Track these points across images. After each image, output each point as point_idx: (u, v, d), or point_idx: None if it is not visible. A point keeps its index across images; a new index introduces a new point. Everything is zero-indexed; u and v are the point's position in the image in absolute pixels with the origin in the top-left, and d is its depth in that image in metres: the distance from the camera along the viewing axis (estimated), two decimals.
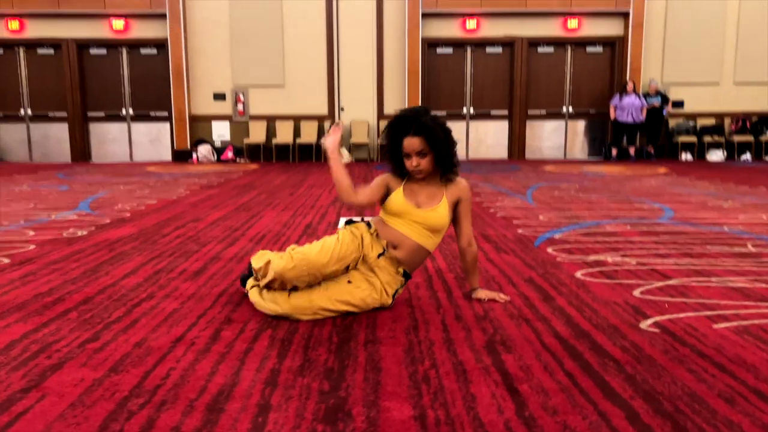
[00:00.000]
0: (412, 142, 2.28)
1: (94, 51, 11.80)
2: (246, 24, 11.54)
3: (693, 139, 11.66)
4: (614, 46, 11.85)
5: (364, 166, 10.39)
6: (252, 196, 6.10)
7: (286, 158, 11.79)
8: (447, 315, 2.30)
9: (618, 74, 11.82)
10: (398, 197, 2.36)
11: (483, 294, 2.50)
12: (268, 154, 11.84)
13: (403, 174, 2.38)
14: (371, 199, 2.39)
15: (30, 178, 8.10)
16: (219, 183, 7.46)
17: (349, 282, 2.30)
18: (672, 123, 11.88)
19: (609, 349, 1.94)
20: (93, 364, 1.82)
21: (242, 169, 9.83)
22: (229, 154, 11.56)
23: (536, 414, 1.50)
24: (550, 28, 11.79)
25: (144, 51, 11.83)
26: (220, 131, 11.92)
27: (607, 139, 11.96)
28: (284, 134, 11.70)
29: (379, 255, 2.34)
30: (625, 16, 11.61)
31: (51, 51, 11.76)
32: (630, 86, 11.14)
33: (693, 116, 11.91)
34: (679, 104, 11.91)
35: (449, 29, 11.80)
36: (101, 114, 12.00)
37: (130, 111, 12.01)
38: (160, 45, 11.69)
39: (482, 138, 12.21)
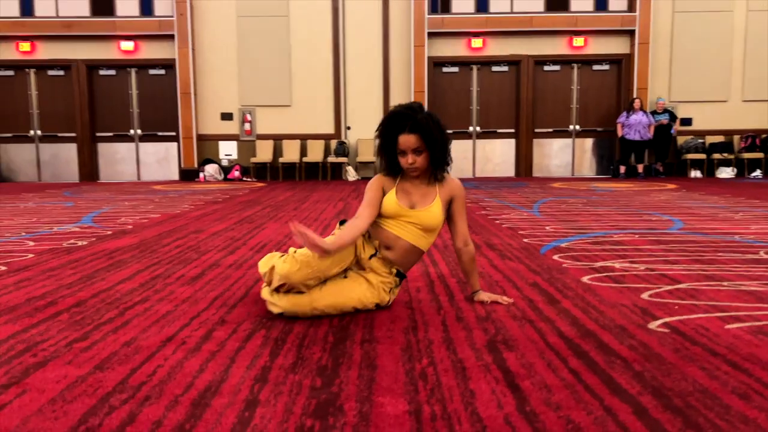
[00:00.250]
0: (407, 140, 2.23)
1: (103, 72, 11.93)
2: (253, 44, 11.65)
3: (702, 156, 11.57)
4: (620, 64, 11.85)
5: None
6: (256, 210, 6.06)
7: (292, 177, 11.79)
8: (448, 316, 2.22)
9: (625, 92, 11.79)
10: (391, 199, 2.30)
11: (485, 296, 2.42)
12: (274, 173, 11.85)
13: (396, 171, 2.33)
14: (373, 215, 2.30)
15: (36, 196, 8.12)
16: (224, 199, 7.44)
17: (345, 277, 2.24)
18: (680, 140, 11.81)
19: (616, 347, 1.86)
20: (78, 362, 1.76)
21: (248, 187, 9.83)
22: (236, 173, 11.58)
23: (538, 409, 1.42)
24: (556, 47, 11.82)
25: (152, 72, 11.96)
26: (227, 150, 11.96)
27: (615, 157, 11.88)
28: (291, 153, 11.72)
29: (371, 256, 2.29)
30: (631, 34, 11.63)
31: (61, 72, 11.90)
32: (637, 104, 11.10)
33: (702, 134, 11.83)
34: (687, 122, 11.85)
35: (455, 48, 11.85)
36: (109, 134, 12.09)
37: (138, 131, 12.10)
38: (169, 66, 11.81)
39: (489, 156, 12.17)
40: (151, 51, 11.82)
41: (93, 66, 11.85)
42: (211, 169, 11.49)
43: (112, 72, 11.94)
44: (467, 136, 12.07)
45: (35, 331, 2.07)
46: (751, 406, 1.43)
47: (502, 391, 1.53)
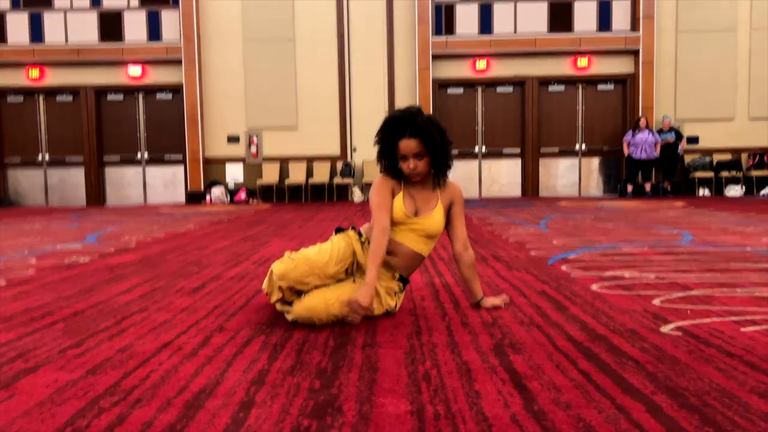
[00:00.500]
0: (408, 144, 2.18)
1: (111, 97, 12.05)
2: (260, 68, 11.75)
3: (710, 174, 11.49)
4: (625, 83, 11.86)
5: None
6: (261, 229, 6.03)
7: (298, 198, 11.79)
8: (452, 322, 2.16)
9: (630, 111, 11.78)
10: (398, 206, 2.25)
11: (489, 303, 2.36)
12: (280, 194, 11.86)
13: (397, 175, 2.28)
14: (389, 216, 2.22)
15: (43, 219, 8.13)
16: (229, 219, 7.42)
17: (354, 281, 2.19)
18: (687, 159, 11.74)
19: (627, 350, 1.79)
20: (70, 368, 1.70)
21: (254, 208, 9.81)
22: (242, 195, 11.59)
23: (546, 408, 1.35)
24: (561, 67, 11.85)
25: (159, 96, 12.06)
26: (234, 173, 11.98)
27: (622, 176, 11.82)
28: (297, 175, 11.73)
29: None
30: (635, 53, 11.65)
31: (70, 98, 12.03)
32: (643, 122, 11.07)
33: (709, 152, 11.77)
34: (693, 140, 11.80)
35: (459, 70, 11.90)
36: (117, 158, 12.15)
37: (145, 155, 12.16)
38: (176, 90, 11.92)
39: (495, 177, 12.14)
40: (158, 75, 11.94)
41: (101, 91, 11.97)
42: (217, 192, 11.51)
43: (120, 97, 12.05)
44: (473, 156, 12.05)
45: (29, 339, 2.02)
46: None
47: (508, 391, 1.46)
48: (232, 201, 11.63)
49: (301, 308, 2.09)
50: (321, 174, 11.72)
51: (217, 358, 1.76)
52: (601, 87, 11.99)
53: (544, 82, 11.91)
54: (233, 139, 11.93)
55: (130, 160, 12.18)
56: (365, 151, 11.82)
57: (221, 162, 11.98)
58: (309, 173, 11.84)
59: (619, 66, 11.83)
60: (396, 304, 2.26)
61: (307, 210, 9.15)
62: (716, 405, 1.35)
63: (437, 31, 11.78)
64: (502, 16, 11.81)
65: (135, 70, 11.83)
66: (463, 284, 2.57)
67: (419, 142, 2.18)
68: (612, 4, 11.73)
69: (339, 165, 11.76)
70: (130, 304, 2.54)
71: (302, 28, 11.75)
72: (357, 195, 11.52)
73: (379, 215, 2.20)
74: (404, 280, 2.29)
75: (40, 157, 12.13)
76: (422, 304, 2.47)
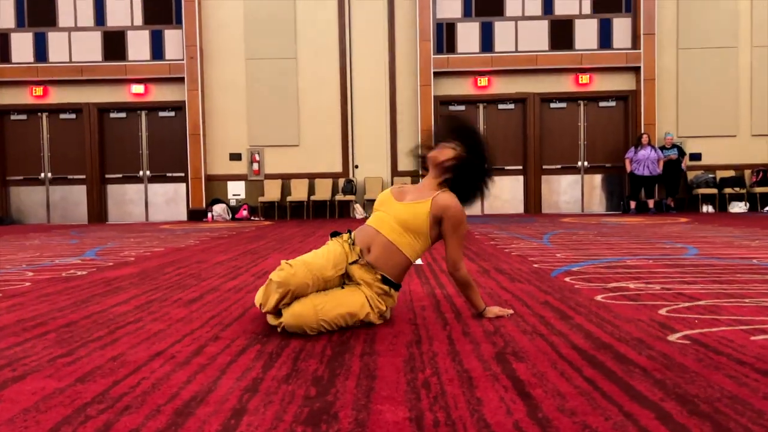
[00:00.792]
0: (447, 145, 2.29)
1: (114, 115, 12.10)
2: (262, 86, 11.80)
3: (713, 191, 11.44)
4: (627, 100, 11.88)
5: None
6: (261, 244, 5.98)
7: (300, 216, 11.76)
8: (454, 331, 2.10)
9: (632, 128, 11.77)
10: (386, 191, 2.33)
11: (492, 312, 2.30)
12: (282, 212, 11.83)
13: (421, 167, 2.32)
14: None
15: (43, 235, 8.10)
16: (230, 235, 7.38)
17: (342, 287, 2.14)
18: (690, 175, 11.70)
19: (634, 358, 1.73)
20: (59, 376, 1.65)
21: (255, 225, 9.78)
22: (244, 212, 11.57)
23: (551, 415, 1.29)
24: (562, 84, 11.88)
25: (162, 114, 12.11)
26: (236, 190, 11.98)
27: (625, 193, 11.78)
28: (299, 192, 11.72)
29: (352, 263, 2.17)
30: (636, 70, 11.68)
31: (73, 116, 12.08)
32: (645, 139, 11.05)
33: (711, 168, 11.73)
34: (696, 157, 11.77)
35: (461, 87, 11.94)
36: (119, 176, 12.16)
37: (147, 172, 12.17)
38: (178, 107, 11.96)
39: (497, 193, 12.10)
40: (161, 93, 11.99)
41: (104, 109, 12.02)
42: (219, 209, 11.49)
43: (123, 114, 12.10)
44: None
45: (19, 348, 1.97)
46: None
47: (511, 398, 1.41)
48: (233, 218, 11.60)
49: (289, 316, 2.02)
50: (323, 191, 11.71)
51: (211, 367, 1.71)
52: (602, 104, 12.00)
53: (546, 98, 11.93)
54: (235, 157, 11.94)
55: (132, 178, 12.19)
56: (367, 169, 11.83)
57: (223, 179, 11.99)
58: (311, 190, 11.82)
59: (621, 83, 11.86)
60: (386, 309, 2.19)
61: (309, 226, 9.11)
62: (728, 412, 1.30)
63: (439, 49, 11.84)
64: (503, 34, 11.87)
65: (138, 88, 11.89)
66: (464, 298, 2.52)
67: (456, 150, 2.26)
68: (613, 22, 11.79)
69: (341, 182, 11.76)
70: (125, 315, 2.49)
71: (304, 46, 11.82)
72: (359, 212, 11.49)
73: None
74: (391, 284, 2.19)
75: (42, 175, 12.14)
76: (423, 313, 2.41)
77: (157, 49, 11.94)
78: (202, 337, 2.08)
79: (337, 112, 11.89)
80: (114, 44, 11.92)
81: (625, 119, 11.96)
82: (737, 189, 11.44)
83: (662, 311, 2.36)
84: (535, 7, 11.85)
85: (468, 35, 11.89)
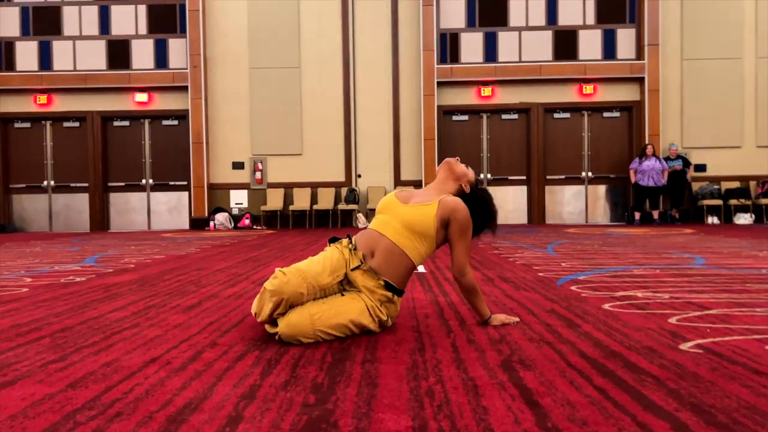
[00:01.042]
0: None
1: (117, 123, 12.10)
2: (265, 95, 11.80)
3: (718, 202, 11.36)
4: (631, 111, 11.84)
5: None
6: (262, 252, 5.93)
7: (302, 225, 11.71)
8: (458, 338, 2.04)
9: (636, 139, 11.72)
10: (390, 194, 2.27)
11: (498, 320, 2.25)
12: (284, 220, 11.79)
13: None
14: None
15: (44, 243, 8.06)
16: (232, 243, 7.33)
17: (342, 294, 2.07)
18: (695, 186, 11.63)
19: (645, 366, 1.67)
20: (50, 381, 1.60)
21: (257, 233, 9.73)
22: (246, 221, 11.53)
23: (561, 425, 1.23)
24: (566, 95, 11.85)
25: (165, 122, 12.11)
26: (238, 199, 11.94)
27: (630, 204, 11.71)
28: (301, 201, 11.68)
29: (354, 268, 2.10)
30: (641, 81, 11.65)
31: (76, 124, 12.09)
32: (650, 150, 10.99)
33: (716, 179, 11.66)
34: (701, 168, 11.71)
35: (464, 97, 11.92)
36: (121, 184, 12.14)
37: (150, 181, 12.15)
38: (182, 116, 11.96)
39: (501, 204, 12.00)
40: (164, 102, 12.00)
41: (107, 117, 12.03)
42: (221, 218, 11.45)
43: (126, 123, 12.10)
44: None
45: (11, 353, 1.92)
46: None
47: (519, 407, 1.35)
48: (235, 227, 11.56)
49: (284, 325, 1.96)
50: (325, 200, 11.67)
51: (207, 373, 1.66)
52: (606, 114, 11.96)
53: (550, 109, 11.90)
54: (238, 166, 11.92)
55: (134, 186, 12.17)
56: (370, 178, 11.79)
57: (226, 188, 11.96)
58: (313, 199, 11.78)
59: (625, 93, 11.82)
60: (387, 317, 2.13)
61: (311, 235, 9.06)
62: (747, 423, 1.24)
63: (442, 59, 11.84)
64: (507, 45, 11.86)
65: (141, 97, 11.90)
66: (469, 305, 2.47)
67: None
68: (617, 32, 11.78)
69: (344, 191, 11.72)
70: (122, 321, 2.44)
71: (308, 55, 11.83)
72: (361, 221, 11.43)
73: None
74: (395, 290, 2.14)
75: (45, 183, 12.13)
76: (426, 321, 2.35)
77: (161, 58, 11.96)
78: (200, 343, 2.03)
79: (340, 121, 11.88)
80: (118, 53, 11.95)
81: (629, 130, 11.91)
82: (742, 200, 11.37)
83: (672, 320, 2.29)
84: (538, 17, 11.85)
85: (472, 45, 11.89)
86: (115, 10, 11.96)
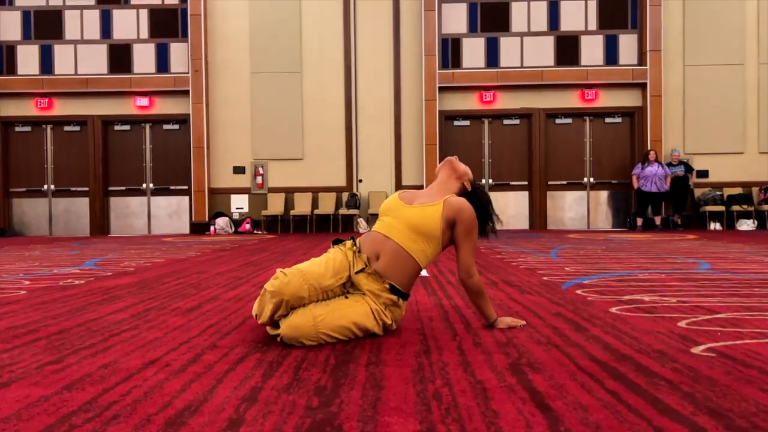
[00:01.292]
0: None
1: (118, 127, 12.08)
2: (266, 100, 11.78)
3: (721, 208, 11.31)
4: (633, 116, 11.81)
5: None
6: (263, 256, 5.89)
7: (303, 230, 11.67)
8: (464, 341, 2.00)
9: (638, 144, 11.69)
10: (392, 196, 2.22)
11: (504, 323, 2.20)
12: (285, 225, 11.75)
13: None
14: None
15: (44, 246, 8.02)
16: (232, 247, 7.29)
17: (346, 297, 2.03)
18: (698, 192, 11.59)
19: (657, 370, 1.62)
20: (45, 383, 1.55)
21: (258, 238, 9.69)
22: (247, 226, 11.49)
23: (575, 429, 1.19)
24: (568, 100, 11.83)
25: (166, 126, 12.09)
26: (239, 204, 11.91)
27: (632, 210, 11.66)
28: (302, 206, 11.64)
29: (358, 271, 2.06)
30: (642, 87, 11.63)
31: (77, 128, 12.06)
32: (652, 155, 10.95)
33: (719, 185, 11.62)
34: (703, 174, 11.67)
35: (466, 102, 11.90)
36: (122, 188, 12.11)
37: (151, 185, 12.12)
38: (183, 120, 11.94)
39: (502, 209, 11.99)
40: (165, 106, 11.98)
41: (108, 121, 12.01)
42: (221, 222, 11.41)
43: (127, 127, 12.08)
44: None
45: (6, 355, 1.87)
46: None
47: (530, 411, 1.30)
48: (236, 232, 11.52)
49: (286, 327, 1.91)
50: (326, 205, 11.63)
51: (207, 375, 1.61)
52: (608, 120, 11.94)
53: (551, 114, 11.87)
54: (239, 170, 11.89)
55: (135, 191, 12.14)
56: (371, 183, 11.76)
57: (226, 193, 11.93)
58: (314, 204, 11.75)
59: (627, 99, 11.80)
60: (391, 321, 2.08)
61: (312, 239, 9.01)
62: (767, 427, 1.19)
63: (444, 64, 11.82)
64: (508, 50, 11.85)
65: (142, 101, 11.88)
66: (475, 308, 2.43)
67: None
68: (619, 38, 11.77)
69: (345, 196, 11.68)
70: (121, 323, 2.39)
71: (309, 60, 11.82)
72: (362, 226, 11.39)
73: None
74: (400, 293, 2.09)
75: (45, 187, 12.10)
76: (430, 324, 2.31)
77: (163, 63, 11.95)
78: (200, 345, 1.98)
79: (341, 126, 11.86)
80: (120, 57, 11.94)
81: (631, 136, 11.88)
82: (745, 206, 11.31)
83: (681, 323, 2.25)
84: (540, 22, 11.84)
85: (473, 50, 11.88)
86: (117, 15, 11.97)
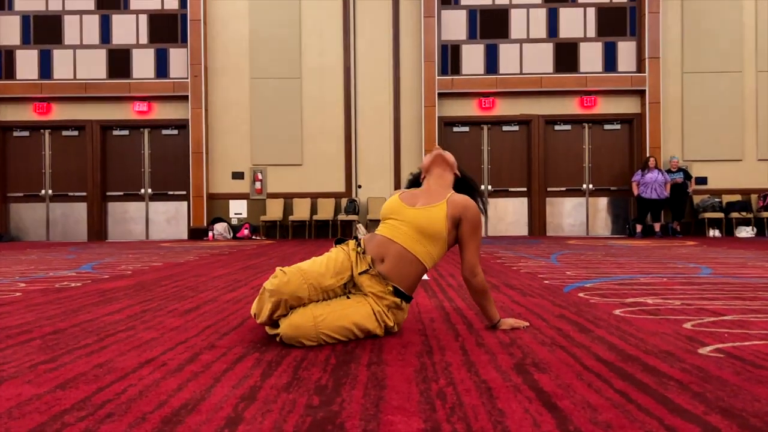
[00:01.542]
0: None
1: (116, 132, 12.05)
2: (266, 105, 11.77)
3: (720, 215, 11.29)
4: (632, 123, 11.81)
5: None
6: (262, 260, 5.85)
7: (302, 235, 11.63)
8: (467, 342, 1.96)
9: (637, 151, 11.68)
10: (392, 198, 2.17)
11: (508, 324, 2.17)
12: (284, 231, 11.71)
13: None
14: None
15: (41, 251, 7.97)
16: (231, 252, 7.24)
17: (348, 297, 1.99)
18: (697, 199, 11.57)
19: (666, 370, 1.59)
20: (38, 382, 1.51)
21: (257, 243, 9.64)
22: (245, 231, 11.44)
23: (584, 428, 1.15)
24: (567, 107, 11.83)
25: (165, 132, 12.05)
26: (237, 209, 11.87)
27: (631, 216, 11.64)
28: (301, 211, 11.60)
29: (362, 272, 2.02)
30: (641, 94, 11.63)
31: (75, 133, 12.03)
32: (652, 162, 10.93)
33: (718, 192, 11.61)
34: (702, 181, 11.66)
35: (465, 108, 11.89)
36: (120, 193, 12.06)
37: (149, 190, 12.07)
38: (182, 126, 11.91)
39: (501, 215, 11.97)
40: (164, 111, 11.96)
41: (107, 126, 11.98)
42: (220, 228, 11.36)
43: (126, 132, 12.05)
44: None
45: None
46: None
47: (537, 410, 1.26)
48: (234, 237, 11.47)
49: (286, 326, 1.88)
50: (325, 211, 11.59)
51: (204, 374, 1.57)
52: (607, 127, 11.93)
53: (550, 121, 11.87)
54: (238, 176, 11.86)
55: (133, 196, 12.09)
56: (370, 189, 11.73)
57: (225, 198, 11.88)
58: (313, 210, 11.71)
59: (626, 106, 11.80)
60: (393, 324, 2.04)
61: (311, 245, 8.97)
62: None
63: (443, 70, 11.82)
64: (508, 56, 11.86)
65: (141, 106, 11.86)
66: (478, 308, 2.39)
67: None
68: (617, 45, 11.79)
69: (344, 202, 11.65)
70: (117, 324, 2.35)
71: (309, 66, 11.81)
72: (361, 232, 11.30)
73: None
74: (403, 296, 2.05)
75: (42, 192, 12.05)
76: (432, 325, 2.27)
77: (162, 68, 11.93)
78: (197, 345, 1.94)
79: (340, 132, 11.84)
80: (119, 62, 11.92)
81: (630, 142, 11.87)
82: (744, 213, 11.30)
83: (687, 325, 2.21)
84: (539, 29, 11.86)
85: (473, 57, 11.88)
86: (116, 20, 11.96)
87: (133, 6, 11.98)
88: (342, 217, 11.37)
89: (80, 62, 11.93)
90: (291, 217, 11.49)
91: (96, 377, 1.55)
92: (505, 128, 11.97)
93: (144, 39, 11.95)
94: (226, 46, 11.83)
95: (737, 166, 11.69)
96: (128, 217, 12.11)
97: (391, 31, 11.85)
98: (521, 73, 11.79)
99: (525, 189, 11.92)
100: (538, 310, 2.62)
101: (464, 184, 2.29)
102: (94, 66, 11.92)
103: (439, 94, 11.64)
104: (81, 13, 11.97)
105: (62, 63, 11.93)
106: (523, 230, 11.91)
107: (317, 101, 11.81)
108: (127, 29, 11.96)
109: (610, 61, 11.81)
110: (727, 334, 2.04)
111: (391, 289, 2.03)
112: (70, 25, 11.97)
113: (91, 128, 11.89)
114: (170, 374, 1.57)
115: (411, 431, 1.14)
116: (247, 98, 11.82)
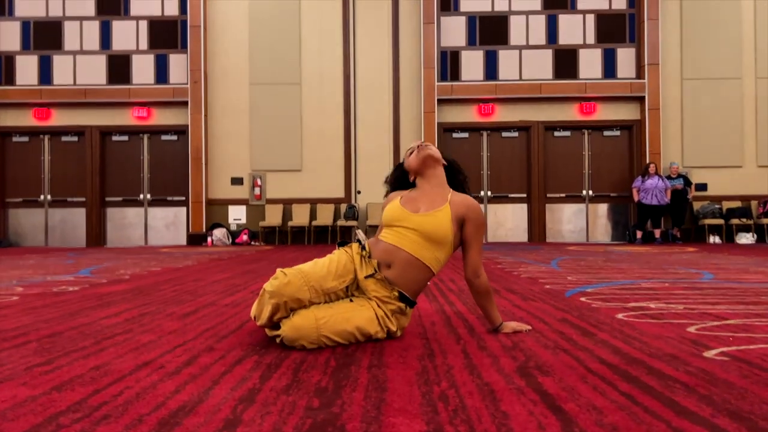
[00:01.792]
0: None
1: (116, 138, 12.03)
2: (265, 111, 11.76)
3: (720, 222, 11.27)
4: (632, 129, 11.81)
5: None
6: (261, 265, 5.82)
7: (301, 241, 11.60)
8: (468, 345, 1.94)
9: (637, 157, 11.68)
10: (394, 204, 2.12)
11: (510, 328, 2.14)
12: (283, 237, 11.68)
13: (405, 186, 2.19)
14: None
15: (39, 256, 7.94)
16: (230, 257, 7.21)
17: (351, 300, 1.97)
18: (697, 206, 11.56)
19: (671, 373, 1.56)
20: (34, 384, 1.49)
21: (256, 249, 9.62)
22: (244, 237, 11.41)
23: (590, 430, 1.13)
24: (566, 113, 11.83)
25: (164, 137, 12.04)
26: (236, 215, 11.84)
27: (631, 223, 11.62)
28: (300, 217, 11.58)
29: (367, 276, 2.00)
30: (641, 100, 11.64)
31: (75, 138, 12.01)
32: (652, 168, 10.92)
33: (718, 199, 11.60)
34: (702, 187, 11.65)
35: (465, 114, 11.89)
36: (119, 199, 12.04)
37: (148, 196, 12.05)
38: (181, 131, 11.90)
39: (501, 221, 11.96)
40: (164, 117, 11.95)
41: (106, 132, 11.96)
42: (219, 234, 11.34)
43: (125, 138, 12.03)
44: (478, 200, 11.88)
45: None
46: None
47: (541, 412, 1.24)
48: (233, 243, 11.44)
49: (288, 328, 1.85)
50: (325, 216, 11.57)
51: (203, 377, 1.55)
52: (607, 133, 11.93)
53: (550, 127, 11.86)
54: (237, 181, 11.84)
55: (132, 201, 12.06)
56: (369, 194, 11.71)
57: (224, 204, 11.86)
58: (312, 215, 11.69)
59: (625, 112, 11.80)
60: (396, 328, 2.02)
61: (310, 250, 8.94)
62: None
63: (443, 77, 11.83)
64: (507, 63, 11.87)
65: (141, 112, 11.85)
66: (480, 311, 2.36)
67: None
68: (617, 52, 11.80)
69: (343, 208, 11.63)
70: (114, 327, 2.33)
71: (309, 71, 11.82)
72: (361, 237, 11.30)
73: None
74: (407, 301, 2.04)
75: (41, 197, 12.02)
76: (433, 328, 2.25)
77: (162, 73, 11.93)
78: (196, 348, 1.92)
79: (340, 138, 11.83)
80: (119, 68, 11.92)
81: (630, 149, 11.87)
82: (744, 220, 11.29)
83: (691, 329, 2.19)
84: (539, 36, 11.88)
85: (472, 63, 11.89)
86: (117, 26, 11.97)
87: (133, 12, 11.99)
88: (341, 222, 11.35)
89: (80, 68, 11.93)
90: (290, 223, 11.47)
91: (92, 379, 1.53)
92: (505, 134, 11.97)
93: (144, 45, 11.96)
94: (226, 52, 11.84)
95: (737, 172, 11.68)
96: (127, 223, 12.08)
97: (391, 37, 11.86)
98: (521, 80, 11.80)
99: (524, 195, 11.90)
100: (540, 314, 2.60)
101: (450, 171, 2.25)
102: (93, 72, 11.93)
103: (439, 100, 11.64)
104: (81, 19, 11.98)
105: (62, 69, 11.93)
106: (522, 236, 11.89)
107: (317, 107, 11.81)
108: (127, 35, 11.97)
109: (609, 68, 11.82)
110: (731, 338, 2.02)
111: (397, 294, 2.02)
112: (70, 30, 11.98)
113: (90, 134, 11.87)
114: (168, 377, 1.55)
115: None
116: (246, 104, 11.82)
